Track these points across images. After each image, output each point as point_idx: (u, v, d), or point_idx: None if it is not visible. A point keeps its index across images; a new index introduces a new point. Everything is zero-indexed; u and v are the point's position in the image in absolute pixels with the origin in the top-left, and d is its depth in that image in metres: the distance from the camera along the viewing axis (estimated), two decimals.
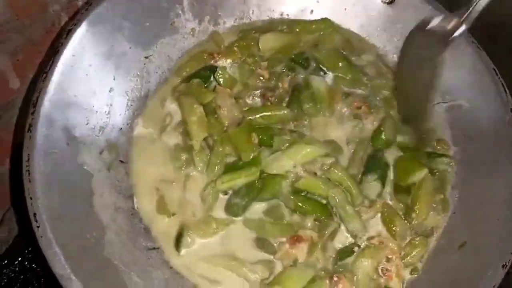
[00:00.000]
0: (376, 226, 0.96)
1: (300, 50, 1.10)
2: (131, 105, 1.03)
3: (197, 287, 0.91)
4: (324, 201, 0.95)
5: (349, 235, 0.94)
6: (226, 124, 1.00)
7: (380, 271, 0.92)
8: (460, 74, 1.04)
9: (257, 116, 1.01)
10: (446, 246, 0.94)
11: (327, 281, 0.88)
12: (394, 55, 1.14)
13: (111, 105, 0.99)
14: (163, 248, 0.93)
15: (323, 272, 0.90)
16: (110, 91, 1.00)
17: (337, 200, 0.93)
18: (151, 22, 1.05)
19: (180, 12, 1.09)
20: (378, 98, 1.06)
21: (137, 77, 1.05)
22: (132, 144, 1.01)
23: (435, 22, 0.89)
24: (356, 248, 0.93)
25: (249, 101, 1.05)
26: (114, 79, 1.00)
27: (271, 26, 1.15)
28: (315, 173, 0.96)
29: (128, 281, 0.85)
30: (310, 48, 1.10)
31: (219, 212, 0.96)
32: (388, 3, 1.12)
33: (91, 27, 0.94)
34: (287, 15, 1.17)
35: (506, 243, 0.87)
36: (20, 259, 1.11)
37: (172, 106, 1.05)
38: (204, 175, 0.98)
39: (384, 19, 1.13)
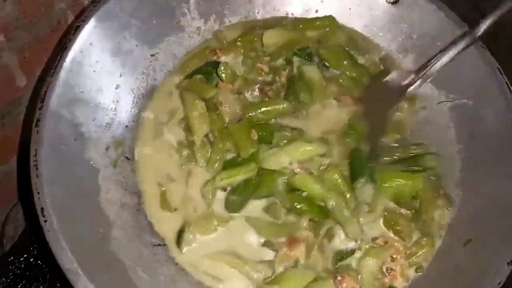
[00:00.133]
0: (381, 226, 0.96)
1: (303, 45, 1.10)
2: (137, 102, 1.04)
3: (202, 283, 0.91)
4: (320, 203, 0.94)
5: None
6: (227, 120, 1.00)
7: (384, 270, 0.92)
8: (464, 73, 1.05)
9: (257, 112, 1.01)
10: (451, 243, 0.94)
11: (331, 281, 0.88)
12: (400, 55, 1.14)
13: (117, 102, 1.00)
14: (168, 244, 0.93)
15: (325, 274, 0.90)
16: (116, 88, 1.00)
17: (334, 203, 0.92)
18: (157, 20, 1.06)
19: (186, 11, 1.10)
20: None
21: (143, 75, 1.05)
22: (136, 140, 1.02)
23: (393, 76, 0.92)
24: (356, 250, 0.92)
25: (248, 95, 1.05)
26: (120, 76, 1.01)
27: (275, 23, 1.15)
28: (311, 172, 0.96)
29: (134, 277, 0.85)
30: (314, 43, 1.11)
31: (220, 209, 0.96)
32: (392, 3, 1.12)
33: (99, 24, 0.95)
34: (292, 14, 1.17)
35: (511, 241, 0.87)
36: (26, 255, 1.11)
37: (175, 102, 1.06)
38: (205, 171, 0.98)
39: (388, 19, 1.14)
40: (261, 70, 1.08)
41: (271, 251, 0.93)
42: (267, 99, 1.04)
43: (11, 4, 0.96)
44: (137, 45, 1.03)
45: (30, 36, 1.04)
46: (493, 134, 1.00)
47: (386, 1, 1.13)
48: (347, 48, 1.12)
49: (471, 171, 1.00)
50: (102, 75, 0.97)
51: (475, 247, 0.90)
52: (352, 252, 0.92)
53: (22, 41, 1.03)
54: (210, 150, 0.98)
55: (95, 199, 0.90)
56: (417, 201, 0.97)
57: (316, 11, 1.17)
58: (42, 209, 0.79)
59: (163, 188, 0.98)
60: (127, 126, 1.01)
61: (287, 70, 1.07)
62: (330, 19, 1.14)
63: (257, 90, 1.05)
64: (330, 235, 0.94)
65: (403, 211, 0.96)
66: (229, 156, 0.99)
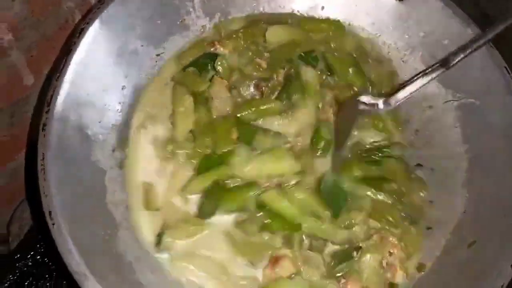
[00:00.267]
0: (373, 222, 0.96)
1: (308, 48, 1.08)
2: None
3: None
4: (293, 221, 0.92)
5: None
6: (214, 117, 0.99)
7: (385, 265, 0.92)
8: (471, 72, 1.03)
9: (245, 113, 0.99)
10: (455, 245, 0.94)
11: (337, 285, 0.89)
12: (405, 54, 1.13)
13: (123, 103, 1.00)
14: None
15: (327, 280, 0.89)
16: (122, 89, 1.01)
17: (310, 227, 0.91)
18: (162, 19, 1.05)
19: (191, 9, 1.09)
20: None
21: (148, 75, 1.05)
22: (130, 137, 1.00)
23: (364, 98, 0.91)
24: (353, 251, 0.92)
25: (242, 91, 1.02)
26: (126, 77, 1.01)
27: (280, 19, 1.14)
28: (280, 185, 0.95)
29: (142, 278, 0.86)
30: (320, 46, 1.09)
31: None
32: (399, 0, 1.11)
33: (104, 26, 0.95)
34: (298, 11, 1.16)
35: None
36: (32, 253, 1.12)
37: (167, 96, 1.04)
38: (186, 169, 0.97)
39: (395, 16, 1.12)
40: (259, 65, 1.06)
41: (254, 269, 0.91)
42: (259, 97, 1.02)
43: (20, 4, 0.96)
44: (142, 45, 1.03)
45: (38, 34, 1.05)
46: (500, 134, 0.99)
47: None
48: (355, 55, 1.10)
49: (477, 172, 1.00)
50: (107, 77, 0.97)
51: (479, 248, 0.90)
52: (350, 256, 0.91)
53: (30, 40, 1.03)
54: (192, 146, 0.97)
55: (101, 201, 0.91)
56: (395, 185, 0.97)
57: (322, 8, 1.16)
58: (50, 212, 0.81)
59: (147, 187, 0.96)
60: None
61: (285, 69, 1.05)
62: (337, 24, 1.12)
63: (252, 86, 1.03)
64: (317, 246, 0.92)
65: (385, 197, 0.97)
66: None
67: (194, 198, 0.95)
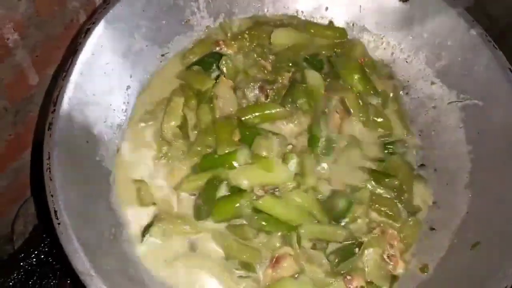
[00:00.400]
0: (373, 215, 0.96)
1: (313, 52, 1.09)
2: None
3: None
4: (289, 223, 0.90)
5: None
6: (217, 116, 0.98)
7: (386, 258, 0.92)
8: (475, 73, 1.04)
9: (248, 116, 0.98)
10: (459, 246, 0.94)
11: (343, 281, 0.88)
12: (409, 55, 1.13)
13: (128, 103, 1.01)
14: None
15: (332, 278, 0.89)
16: (127, 89, 1.01)
17: (310, 231, 0.91)
18: (167, 20, 1.06)
19: (195, 9, 1.10)
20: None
21: (153, 75, 1.05)
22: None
23: None
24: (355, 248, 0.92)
25: (247, 93, 1.01)
26: (131, 77, 1.02)
27: (286, 22, 1.14)
28: (273, 192, 0.93)
29: (147, 277, 0.87)
30: (326, 51, 1.10)
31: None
32: (403, 1, 1.11)
33: (109, 26, 0.95)
34: (302, 12, 1.17)
35: None
36: (36, 252, 1.12)
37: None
38: (182, 167, 0.96)
39: (399, 17, 1.12)
40: (264, 67, 1.06)
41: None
42: (264, 100, 1.01)
43: (26, 3, 0.96)
44: (147, 45, 1.04)
45: (43, 34, 1.05)
46: (503, 135, 0.99)
47: None
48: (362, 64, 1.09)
49: (480, 173, 1.00)
50: (112, 77, 0.97)
51: (482, 250, 0.90)
52: (352, 252, 0.91)
53: (35, 39, 1.04)
54: (182, 143, 0.96)
55: (107, 200, 0.91)
56: (397, 180, 0.98)
57: (326, 8, 1.16)
58: (55, 212, 0.81)
59: (139, 184, 0.94)
60: None
61: (290, 72, 1.05)
62: (341, 31, 1.13)
63: (257, 88, 1.02)
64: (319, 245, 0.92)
65: (385, 192, 0.98)
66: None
67: (192, 198, 0.94)
